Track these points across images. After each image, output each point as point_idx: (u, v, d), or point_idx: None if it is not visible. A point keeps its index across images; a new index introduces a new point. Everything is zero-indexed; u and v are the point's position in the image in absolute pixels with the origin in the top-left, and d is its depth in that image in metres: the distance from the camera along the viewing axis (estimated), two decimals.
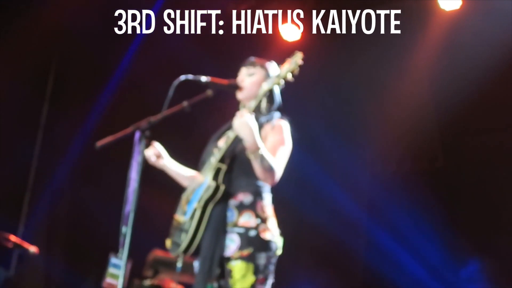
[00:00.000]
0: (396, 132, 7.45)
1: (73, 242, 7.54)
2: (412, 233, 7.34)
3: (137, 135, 2.91)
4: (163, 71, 6.57)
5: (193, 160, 3.66)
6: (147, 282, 5.81)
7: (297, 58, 3.02)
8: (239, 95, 3.35)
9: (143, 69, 7.50)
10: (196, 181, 3.29)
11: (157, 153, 3.50)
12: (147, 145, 2.93)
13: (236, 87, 3.31)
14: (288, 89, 3.40)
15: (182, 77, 3.11)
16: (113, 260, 5.43)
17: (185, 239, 3.15)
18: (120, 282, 2.94)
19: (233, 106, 3.49)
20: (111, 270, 5.42)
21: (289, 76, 3.05)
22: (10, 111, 7.11)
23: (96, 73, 7.97)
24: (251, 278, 3.02)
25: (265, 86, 3.12)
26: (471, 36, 6.46)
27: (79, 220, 7.48)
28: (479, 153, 7.17)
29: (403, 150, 7.73)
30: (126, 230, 2.81)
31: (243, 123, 2.97)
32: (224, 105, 3.85)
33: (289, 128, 3.30)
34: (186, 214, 3.23)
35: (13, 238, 4.25)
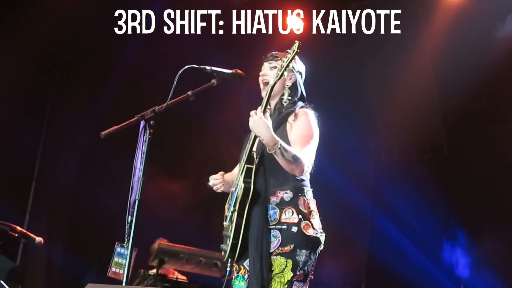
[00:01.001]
0: (401, 121, 7.45)
1: (78, 232, 7.58)
2: (415, 221, 7.37)
3: (142, 124, 2.91)
4: (168, 61, 6.59)
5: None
6: (153, 272, 5.85)
7: (295, 47, 3.03)
8: (263, 92, 3.33)
9: (148, 60, 7.51)
10: (234, 185, 3.28)
11: (221, 182, 3.40)
12: (152, 134, 2.91)
13: (241, 76, 3.31)
14: None
15: (187, 66, 3.11)
16: (119, 249, 5.44)
17: (229, 244, 3.10)
18: (125, 271, 2.94)
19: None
20: (116, 259, 5.43)
21: (291, 66, 3.08)
22: (16, 103, 7.15)
23: (102, 63, 7.99)
24: (289, 274, 3.03)
25: (272, 81, 3.09)
26: (475, 27, 6.46)
27: (84, 210, 7.52)
28: (483, 143, 7.17)
29: (407, 140, 7.74)
30: (131, 219, 2.81)
31: (257, 122, 2.96)
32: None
33: (313, 115, 3.30)
34: (227, 218, 3.22)
35: (19, 228, 4.26)
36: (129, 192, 2.86)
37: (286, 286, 3.02)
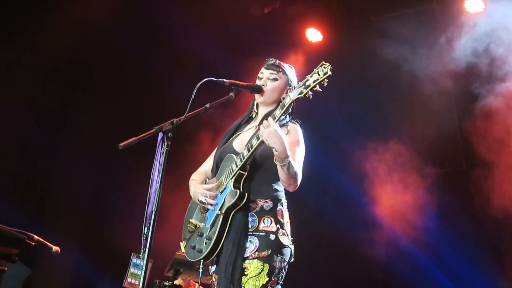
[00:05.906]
0: (418, 135, 7.42)
1: (93, 241, 7.61)
2: (431, 234, 7.33)
3: (160, 136, 2.92)
4: (187, 71, 6.62)
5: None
6: (168, 282, 5.83)
7: (326, 69, 2.90)
8: (259, 99, 3.34)
9: (167, 70, 7.56)
10: (215, 188, 3.27)
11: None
12: (169, 145, 2.92)
13: (259, 89, 3.30)
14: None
15: (206, 79, 3.10)
16: (134, 260, 5.46)
17: (208, 246, 3.14)
18: (141, 282, 2.94)
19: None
20: (132, 270, 5.46)
21: (317, 87, 2.93)
22: (35, 111, 7.21)
23: (121, 73, 8.05)
24: (264, 278, 3.04)
25: (292, 96, 3.01)
26: (494, 40, 6.43)
27: (100, 219, 7.54)
28: (501, 157, 7.12)
29: (424, 153, 7.70)
30: (148, 230, 2.81)
31: (273, 132, 2.96)
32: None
33: (301, 132, 3.31)
34: (208, 220, 3.22)
35: (36, 237, 4.28)
36: (146, 203, 2.86)
37: None
